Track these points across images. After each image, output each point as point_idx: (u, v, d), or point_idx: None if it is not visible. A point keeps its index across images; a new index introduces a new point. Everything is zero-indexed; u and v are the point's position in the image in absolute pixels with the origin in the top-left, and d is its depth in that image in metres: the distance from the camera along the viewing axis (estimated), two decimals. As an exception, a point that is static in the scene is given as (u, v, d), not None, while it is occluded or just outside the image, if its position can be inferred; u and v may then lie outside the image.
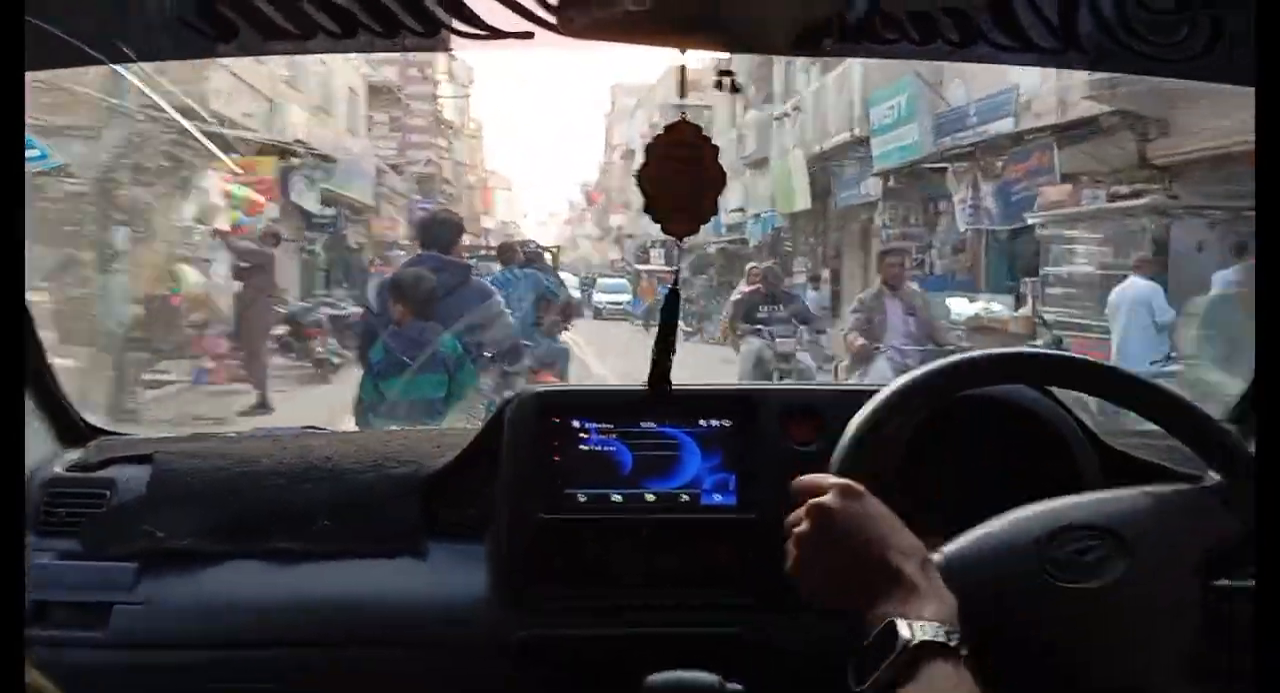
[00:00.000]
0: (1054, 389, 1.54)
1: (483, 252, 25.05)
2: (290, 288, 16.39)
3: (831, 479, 1.05)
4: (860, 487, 1.03)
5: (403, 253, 22.17)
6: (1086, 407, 1.60)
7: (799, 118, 22.87)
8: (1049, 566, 1.04)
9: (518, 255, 7.74)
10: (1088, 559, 1.05)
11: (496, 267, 7.68)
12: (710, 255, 31.98)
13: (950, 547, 1.07)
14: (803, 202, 21.85)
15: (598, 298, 28.94)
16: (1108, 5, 1.18)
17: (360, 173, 23.37)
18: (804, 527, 1.02)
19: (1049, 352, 1.38)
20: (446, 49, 1.37)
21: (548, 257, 11.39)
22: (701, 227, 1.30)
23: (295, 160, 17.98)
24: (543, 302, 7.09)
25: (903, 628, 0.91)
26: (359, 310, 11.40)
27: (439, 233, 4.81)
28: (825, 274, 21.45)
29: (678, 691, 1.26)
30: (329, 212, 21.30)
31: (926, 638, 0.90)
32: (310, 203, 19.54)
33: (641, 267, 31.71)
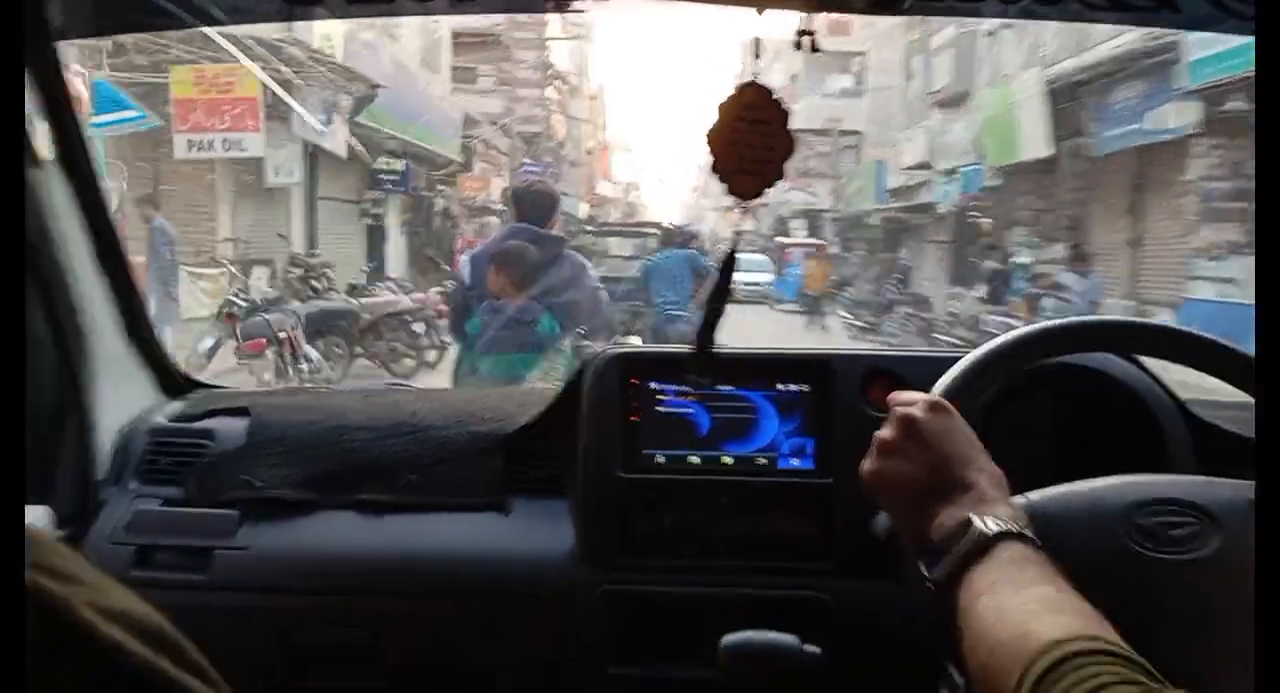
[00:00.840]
0: (1147, 360, 1.50)
1: (603, 224, 23.89)
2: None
3: (923, 395, 1.06)
4: (949, 405, 1.04)
5: (496, 220, 21.45)
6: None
7: (1029, 28, 15.71)
8: (1136, 532, 1.02)
9: (677, 236, 9.05)
10: (1177, 533, 1.02)
11: (613, 242, 8.57)
12: (872, 225, 29.52)
13: (1035, 495, 1.05)
14: (1036, 146, 15.48)
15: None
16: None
17: (445, 121, 20.37)
18: (889, 432, 1.03)
19: (1134, 320, 1.34)
20: (543, 9, 1.37)
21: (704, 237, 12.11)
22: (767, 190, 1.29)
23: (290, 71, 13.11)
24: (698, 278, 7.98)
25: (978, 521, 0.92)
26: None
27: (536, 205, 4.60)
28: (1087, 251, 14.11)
29: (758, 649, 1.28)
30: (395, 164, 18.37)
31: (1000, 529, 0.91)
32: (333, 143, 15.38)
33: (783, 240, 29.78)
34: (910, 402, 1.05)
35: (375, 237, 19.33)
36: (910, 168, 24.59)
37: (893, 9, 1.12)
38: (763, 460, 1.53)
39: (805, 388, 1.54)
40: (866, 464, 1.04)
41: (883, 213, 28.09)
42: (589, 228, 19.96)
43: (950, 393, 1.14)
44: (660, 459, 1.53)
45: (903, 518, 1.03)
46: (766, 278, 24.57)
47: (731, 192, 1.24)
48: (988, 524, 0.92)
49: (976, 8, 1.22)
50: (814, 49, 1.18)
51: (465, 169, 23.26)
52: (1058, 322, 1.26)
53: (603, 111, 44.64)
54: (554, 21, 28.53)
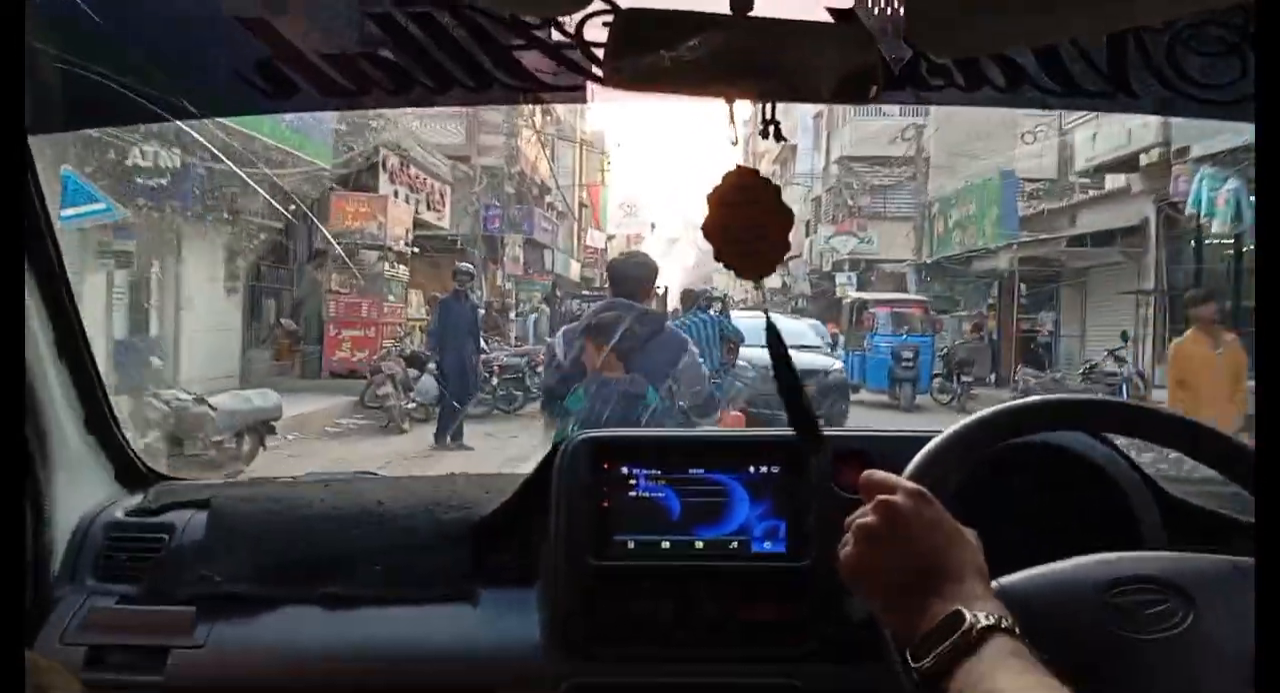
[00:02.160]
0: (1115, 437, 1.51)
1: (597, 288, 22.22)
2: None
3: (903, 481, 1.05)
4: (929, 494, 1.03)
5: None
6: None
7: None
8: (1111, 612, 1.02)
9: (700, 300, 8.12)
10: (1152, 612, 1.02)
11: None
12: (985, 272, 21.21)
13: (1008, 579, 1.05)
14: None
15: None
16: (1156, 48, 1.17)
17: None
18: (870, 519, 1.02)
19: (1102, 399, 1.35)
20: (500, 103, 1.38)
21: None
22: (777, 266, 1.30)
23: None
24: (726, 343, 7.30)
25: (968, 615, 0.92)
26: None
27: (634, 278, 4.45)
28: None
29: None
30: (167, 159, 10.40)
31: (990, 623, 0.91)
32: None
33: (861, 296, 21.80)
34: (890, 487, 1.03)
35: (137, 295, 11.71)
36: (1087, 170, 16.88)
37: (859, 98, 1.14)
38: (735, 544, 1.52)
39: (775, 469, 1.53)
40: (847, 551, 1.03)
41: (1022, 249, 18.44)
42: (585, 292, 18.80)
43: (920, 473, 1.14)
44: (631, 545, 1.51)
45: (883, 608, 1.01)
46: (822, 362, 13.94)
47: (739, 275, 1.25)
48: (978, 618, 0.91)
49: (939, 96, 1.26)
50: (779, 138, 1.20)
51: (356, 187, 15.89)
52: (1027, 401, 1.27)
53: (600, 159, 37.61)
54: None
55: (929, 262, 24.81)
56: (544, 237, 27.76)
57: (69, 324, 1.57)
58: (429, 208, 18.96)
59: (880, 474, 1.06)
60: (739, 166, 1.21)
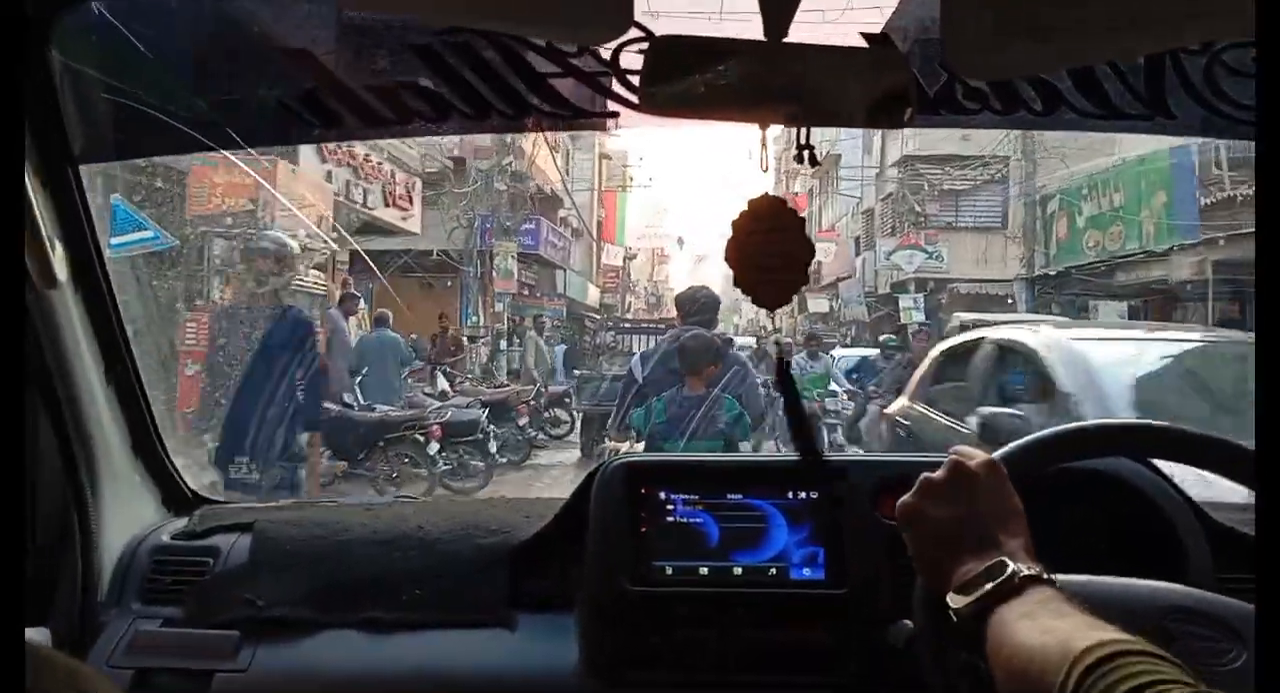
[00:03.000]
0: (1162, 463, 1.49)
1: (623, 320, 20.22)
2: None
3: (981, 452, 1.09)
4: (1001, 467, 1.06)
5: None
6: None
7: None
8: (1164, 635, 1.00)
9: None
10: (1203, 645, 1.01)
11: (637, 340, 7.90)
12: (1173, 280, 13.78)
13: (1063, 577, 1.04)
14: None
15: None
16: (1194, 70, 1.16)
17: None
18: (938, 474, 1.05)
19: (1153, 424, 1.32)
20: (537, 130, 1.42)
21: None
22: (793, 297, 1.31)
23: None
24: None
25: (1010, 563, 0.95)
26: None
27: (704, 307, 5.34)
28: None
29: None
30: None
31: (1034, 572, 0.94)
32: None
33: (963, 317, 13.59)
34: (970, 455, 1.07)
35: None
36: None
37: (895, 122, 1.15)
38: (773, 571, 1.51)
39: (814, 495, 1.52)
40: (906, 497, 1.06)
41: (1212, 250, 12.89)
42: (609, 324, 17.81)
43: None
44: (669, 571, 1.50)
45: (925, 557, 1.04)
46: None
47: (756, 302, 1.26)
48: (1020, 569, 0.94)
49: (975, 120, 1.26)
50: (814, 163, 1.21)
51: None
52: (1067, 427, 1.26)
53: (623, 172, 33.36)
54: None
55: (1051, 273, 18.63)
56: (553, 255, 24.09)
57: (116, 348, 1.60)
58: (389, 204, 14.61)
59: (967, 447, 1.10)
60: (767, 194, 1.22)
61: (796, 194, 32.03)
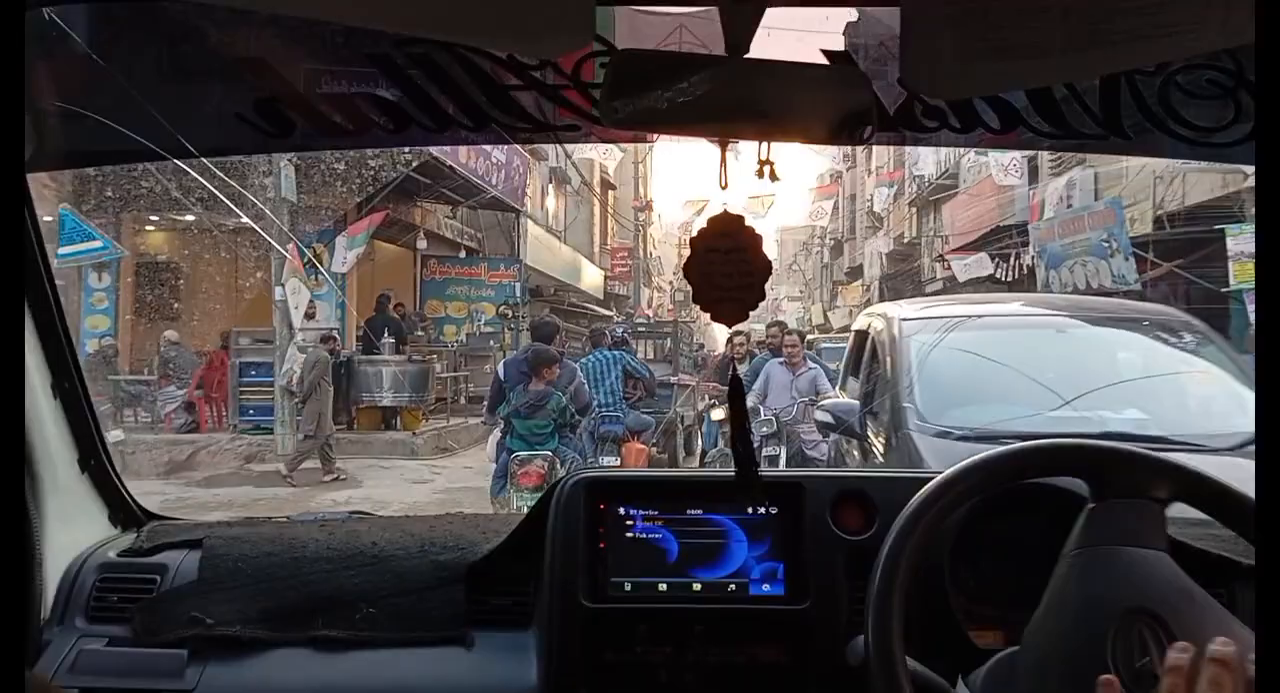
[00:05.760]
0: None
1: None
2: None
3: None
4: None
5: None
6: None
7: None
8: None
9: (606, 340, 9.28)
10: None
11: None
12: None
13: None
14: None
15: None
16: (1149, 91, 1.18)
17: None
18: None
19: (1103, 444, 1.32)
20: (498, 142, 1.40)
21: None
22: (749, 314, 1.31)
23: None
24: (630, 379, 8.78)
25: None
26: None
27: (544, 333, 7.65)
28: None
29: None
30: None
31: None
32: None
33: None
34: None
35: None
36: None
37: (854, 139, 1.15)
38: (733, 586, 1.50)
39: (774, 510, 1.52)
40: None
41: None
42: (640, 325, 17.30)
43: (912, 524, 1.15)
44: (628, 587, 1.49)
45: None
46: None
47: (715, 319, 1.26)
48: None
49: (933, 137, 1.27)
50: (773, 178, 1.21)
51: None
52: (1021, 445, 1.26)
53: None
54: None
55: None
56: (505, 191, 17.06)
57: (64, 363, 1.57)
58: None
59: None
60: (725, 211, 1.22)
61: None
